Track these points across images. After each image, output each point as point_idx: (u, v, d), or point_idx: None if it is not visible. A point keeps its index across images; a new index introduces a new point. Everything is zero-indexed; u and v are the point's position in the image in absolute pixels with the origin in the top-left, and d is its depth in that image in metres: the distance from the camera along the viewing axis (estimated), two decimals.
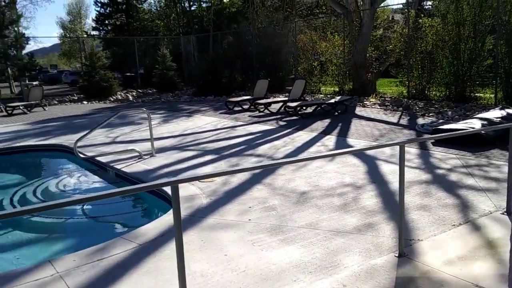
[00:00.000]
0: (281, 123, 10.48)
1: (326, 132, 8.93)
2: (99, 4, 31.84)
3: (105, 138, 9.10)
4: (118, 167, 6.51)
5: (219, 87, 18.64)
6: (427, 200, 4.51)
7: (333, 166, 6.02)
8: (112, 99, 19.17)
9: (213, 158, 6.95)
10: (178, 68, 22.60)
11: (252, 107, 13.27)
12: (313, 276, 3.03)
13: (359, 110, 12.09)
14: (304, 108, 12.03)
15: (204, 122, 11.12)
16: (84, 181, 6.85)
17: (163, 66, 21.53)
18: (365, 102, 13.36)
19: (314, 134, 8.76)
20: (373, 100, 13.78)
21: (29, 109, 15.39)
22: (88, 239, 4.58)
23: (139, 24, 31.46)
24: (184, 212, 4.27)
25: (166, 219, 4.20)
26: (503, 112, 8.09)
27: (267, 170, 5.77)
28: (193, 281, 2.99)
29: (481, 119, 7.73)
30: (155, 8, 36.24)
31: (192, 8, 33.16)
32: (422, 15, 14.77)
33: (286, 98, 13.25)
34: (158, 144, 8.02)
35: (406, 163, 4.23)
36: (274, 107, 12.70)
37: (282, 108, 12.31)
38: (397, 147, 3.21)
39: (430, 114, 10.37)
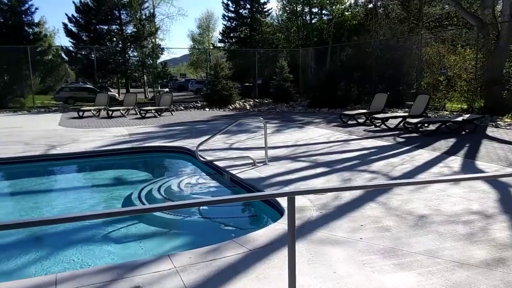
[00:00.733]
0: (399, 139, 9.92)
1: (450, 152, 8.19)
2: (227, 18, 34.04)
3: (222, 144, 9.60)
4: (233, 172, 6.79)
5: (334, 99, 18.48)
6: None
7: (458, 190, 5.48)
8: (231, 107, 20.25)
9: (324, 171, 6.85)
10: (294, 80, 23.01)
11: (367, 121, 12.85)
12: None
13: (490, 131, 10.89)
14: (426, 125, 11.25)
15: (317, 134, 11.06)
16: (202, 183, 7.28)
17: (280, 77, 22.14)
18: (498, 122, 12.01)
19: (437, 153, 8.10)
20: (508, 120, 12.33)
21: (159, 113, 17.00)
22: (202, 239, 4.84)
23: (261, 37, 32.84)
24: None
25: (275, 228, 4.23)
26: None
27: (381, 188, 5.48)
28: None
29: None
30: (277, 21, 37.42)
31: (313, 21, 33.52)
32: None
33: (406, 114, 12.52)
34: (271, 153, 8.20)
35: None
36: (392, 123, 12.09)
37: (401, 124, 11.69)
38: None
39: None
